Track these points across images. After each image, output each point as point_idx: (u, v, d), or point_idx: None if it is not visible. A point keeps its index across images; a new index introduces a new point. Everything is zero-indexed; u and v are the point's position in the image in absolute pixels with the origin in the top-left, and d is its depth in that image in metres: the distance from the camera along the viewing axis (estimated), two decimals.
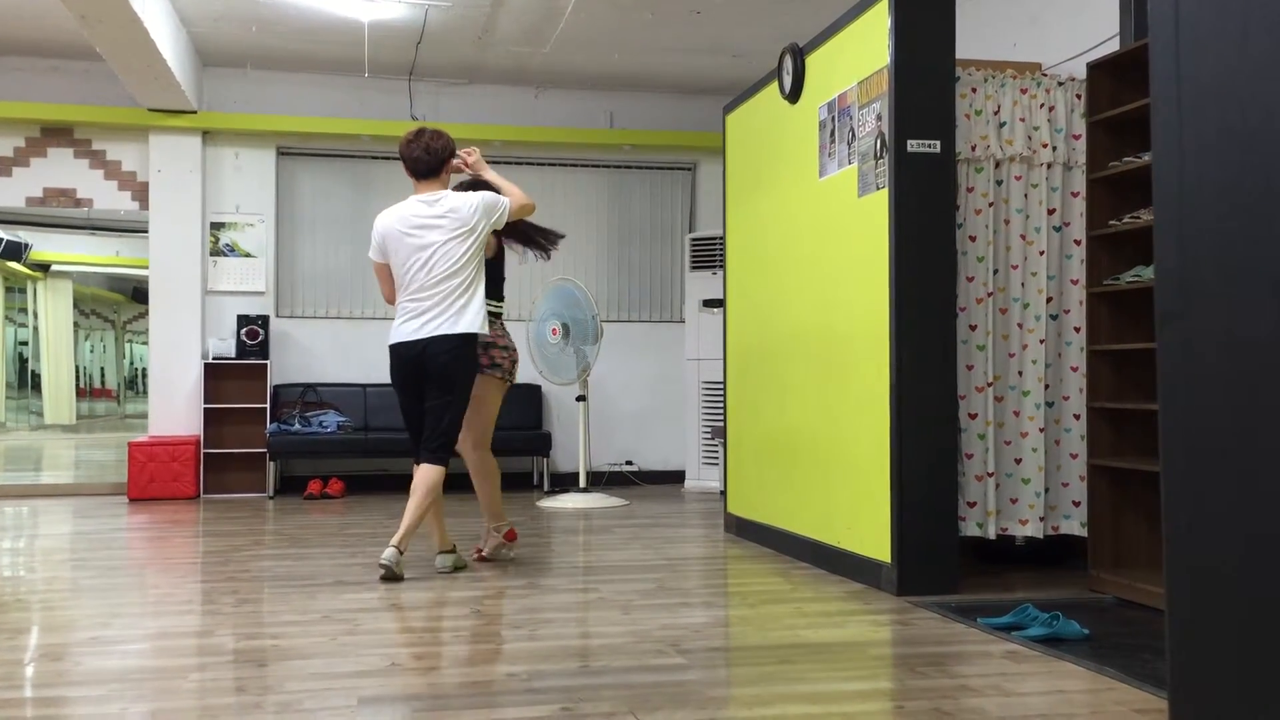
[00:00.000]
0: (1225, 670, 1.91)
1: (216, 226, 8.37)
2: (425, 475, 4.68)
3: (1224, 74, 1.90)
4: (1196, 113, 1.97)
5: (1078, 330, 4.84)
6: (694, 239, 8.60)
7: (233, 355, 8.12)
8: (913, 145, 4.34)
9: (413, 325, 4.68)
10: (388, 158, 8.55)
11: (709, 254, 8.44)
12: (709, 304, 8.38)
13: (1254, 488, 1.84)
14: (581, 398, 7.89)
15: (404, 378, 4.74)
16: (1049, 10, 5.63)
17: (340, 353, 8.54)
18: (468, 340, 4.69)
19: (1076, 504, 4.82)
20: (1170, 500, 2.03)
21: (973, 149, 4.75)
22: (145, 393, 8.83)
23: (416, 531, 4.78)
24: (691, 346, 8.61)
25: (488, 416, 5.05)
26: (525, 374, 7.91)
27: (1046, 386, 4.81)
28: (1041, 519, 4.76)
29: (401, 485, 8.39)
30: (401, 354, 4.72)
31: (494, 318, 5.01)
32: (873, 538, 4.47)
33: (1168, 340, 2.04)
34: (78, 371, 19.64)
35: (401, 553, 4.61)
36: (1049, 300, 4.84)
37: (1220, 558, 1.91)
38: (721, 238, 7.80)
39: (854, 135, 4.67)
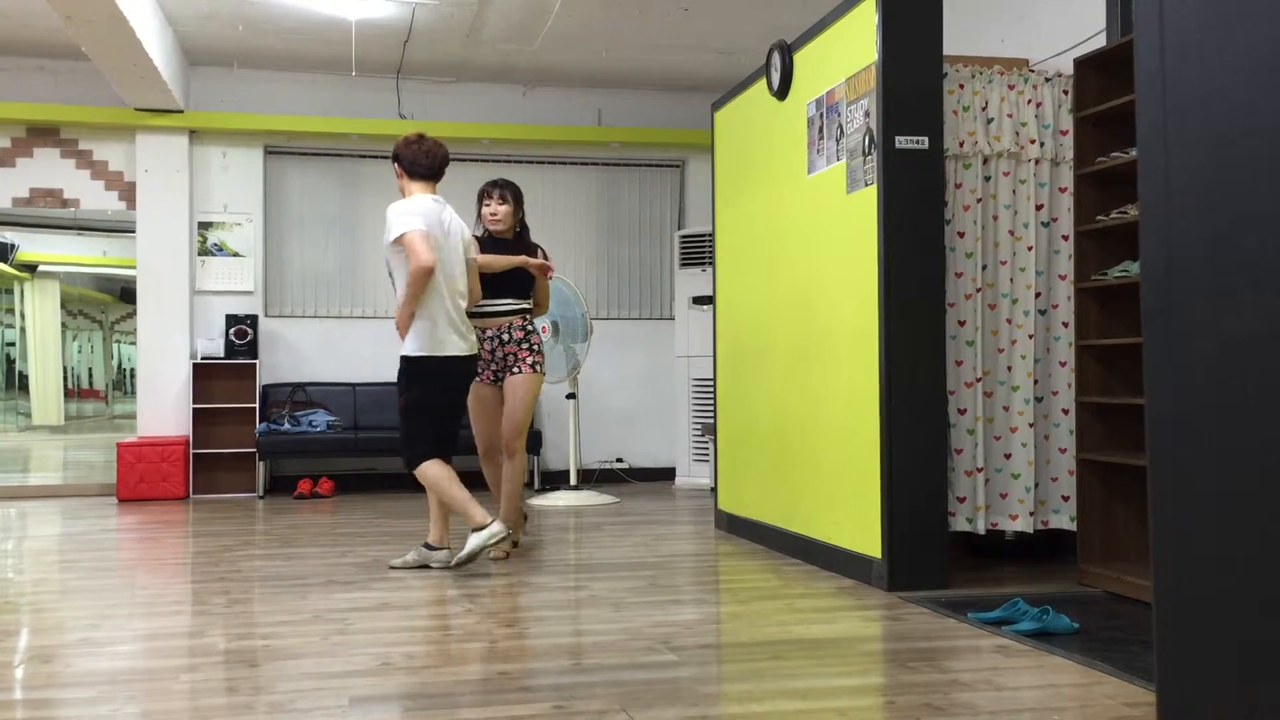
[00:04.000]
0: (1213, 663, 1.92)
1: (204, 226, 8.35)
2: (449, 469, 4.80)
3: (1209, 71, 1.91)
4: (1181, 110, 1.98)
5: (1066, 325, 4.86)
6: (683, 236, 8.60)
7: (221, 355, 8.10)
8: (901, 141, 4.35)
9: (457, 338, 4.75)
10: (376, 156, 8.54)
11: (698, 251, 8.45)
12: (698, 301, 8.39)
13: (1241, 481, 1.85)
14: (571, 395, 7.89)
15: (449, 389, 4.81)
16: (1036, 6, 5.64)
17: (329, 352, 8.52)
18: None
19: (1066, 498, 4.83)
20: (1158, 494, 2.04)
21: (961, 145, 4.76)
22: (134, 393, 8.79)
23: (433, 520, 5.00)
24: (681, 343, 8.62)
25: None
26: None
27: (1035, 381, 4.83)
28: (1031, 514, 4.77)
29: (391, 484, 8.43)
30: (453, 369, 4.78)
31: (528, 314, 5.33)
32: (863, 533, 4.48)
33: (1154, 335, 2.05)
34: (65, 372, 19.56)
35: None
36: (1037, 295, 4.85)
37: (1207, 551, 1.92)
38: (711, 235, 7.80)
39: (842, 132, 4.68)
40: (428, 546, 4.93)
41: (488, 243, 5.29)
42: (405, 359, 4.75)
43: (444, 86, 8.71)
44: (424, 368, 4.72)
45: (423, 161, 4.82)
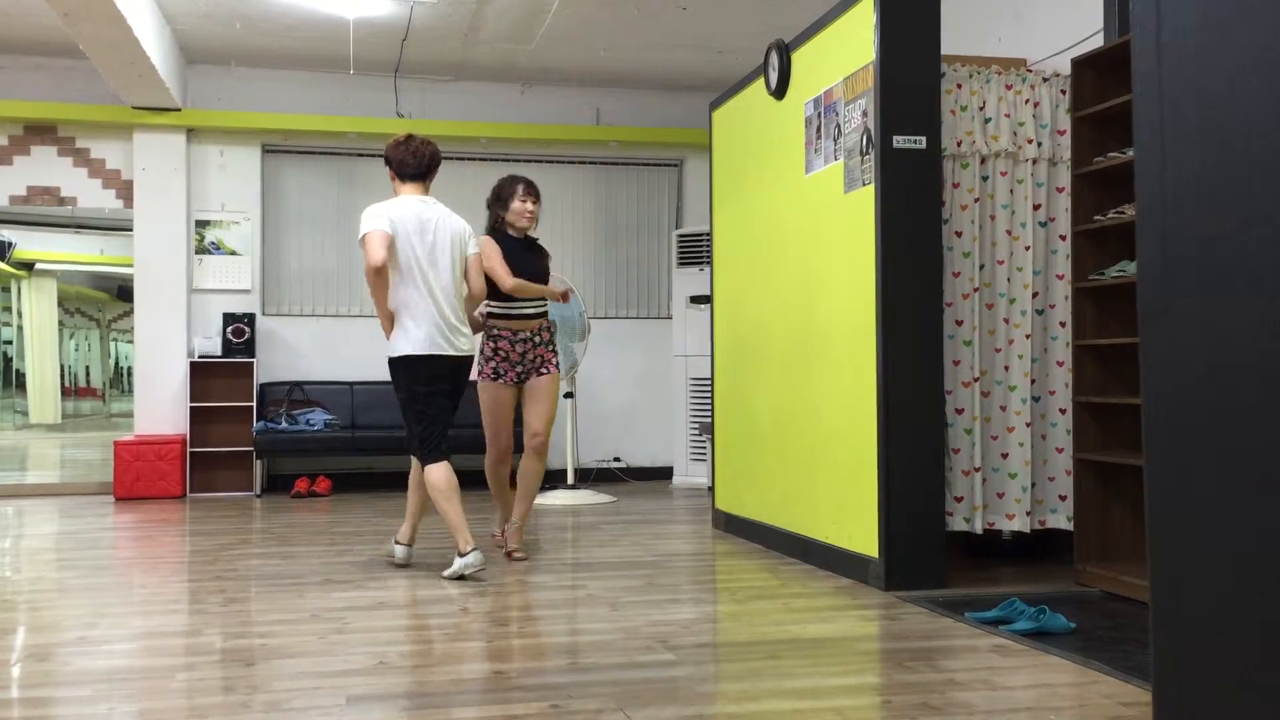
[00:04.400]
0: (1209, 663, 1.92)
1: (201, 224, 8.34)
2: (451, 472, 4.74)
3: (1206, 71, 1.91)
4: (1178, 110, 1.98)
5: (1063, 325, 4.86)
6: (681, 235, 8.60)
7: (219, 354, 8.10)
8: (898, 141, 4.35)
9: (441, 340, 4.69)
10: (373, 155, 8.53)
11: (696, 250, 8.45)
12: (696, 300, 8.39)
13: (1236, 481, 1.85)
14: (569, 394, 7.89)
15: (441, 384, 4.76)
16: (1033, 6, 5.64)
17: (327, 351, 8.52)
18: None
19: (1063, 498, 4.84)
20: (1154, 494, 2.05)
21: (958, 145, 4.76)
22: (131, 391, 8.79)
23: (417, 522, 5.04)
24: (679, 343, 8.62)
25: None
26: None
27: (1033, 381, 4.83)
28: (1028, 513, 4.78)
29: (388, 483, 8.43)
30: (440, 365, 4.73)
31: (544, 317, 5.30)
32: (860, 533, 4.48)
33: (1151, 336, 2.05)
34: (63, 370, 19.55)
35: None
36: (1035, 295, 4.85)
37: (1204, 551, 1.93)
38: (708, 234, 7.81)
39: (840, 131, 4.68)
40: (396, 541, 5.01)
41: (498, 239, 5.24)
42: (388, 359, 4.78)
43: (442, 85, 8.71)
44: (403, 367, 4.72)
45: (410, 161, 4.81)
